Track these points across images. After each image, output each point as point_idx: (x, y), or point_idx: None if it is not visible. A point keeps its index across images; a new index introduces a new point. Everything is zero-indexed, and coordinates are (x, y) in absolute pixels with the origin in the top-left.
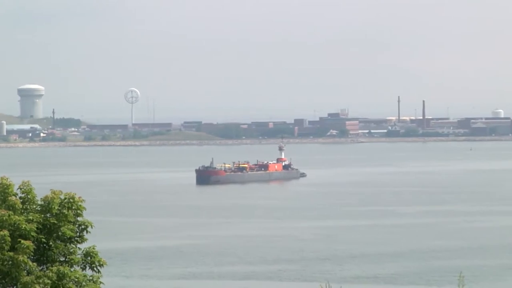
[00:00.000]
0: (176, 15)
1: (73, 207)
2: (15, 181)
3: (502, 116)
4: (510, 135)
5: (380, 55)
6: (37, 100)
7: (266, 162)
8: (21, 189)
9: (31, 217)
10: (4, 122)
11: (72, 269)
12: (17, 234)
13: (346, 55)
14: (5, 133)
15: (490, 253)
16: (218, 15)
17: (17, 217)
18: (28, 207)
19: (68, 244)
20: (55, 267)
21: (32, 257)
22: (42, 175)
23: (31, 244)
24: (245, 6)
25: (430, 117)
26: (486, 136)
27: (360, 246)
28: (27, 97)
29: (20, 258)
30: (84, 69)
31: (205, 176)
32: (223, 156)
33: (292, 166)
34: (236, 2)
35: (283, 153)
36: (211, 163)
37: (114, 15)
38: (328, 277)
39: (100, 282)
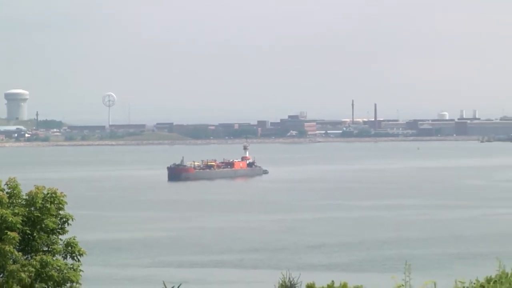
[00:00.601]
0: (150, 19)
1: (55, 202)
2: (2, 177)
3: (447, 118)
4: (454, 135)
5: (338, 61)
6: (22, 104)
7: (231, 160)
8: (7, 185)
9: (16, 211)
10: None
11: (54, 258)
12: (4, 226)
13: (307, 60)
14: None
15: (435, 243)
16: (186, 16)
17: (4, 210)
18: (14, 201)
19: (50, 235)
20: (39, 256)
21: (17, 247)
22: (27, 172)
23: (17, 235)
24: (214, 8)
25: (381, 119)
26: (432, 137)
27: (318, 237)
28: (13, 100)
29: (7, 248)
30: (66, 75)
31: (176, 173)
32: (192, 155)
33: (255, 164)
34: (202, 4)
35: (247, 152)
36: (182, 161)
37: (92, 25)
38: (289, 265)
39: (80, 270)
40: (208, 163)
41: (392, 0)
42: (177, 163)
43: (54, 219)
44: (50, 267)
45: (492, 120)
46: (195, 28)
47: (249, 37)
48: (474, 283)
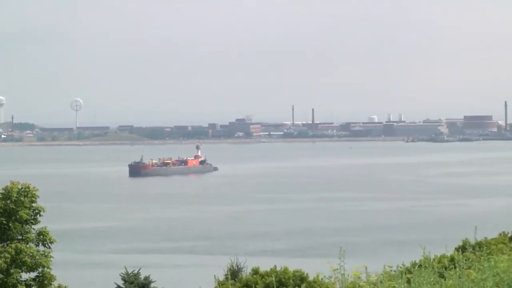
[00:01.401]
0: (106, 30)
1: (29, 195)
2: None
3: (376, 121)
4: (382, 136)
5: (280, 69)
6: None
7: (185, 158)
8: None
9: None
10: None
11: (27, 246)
12: None
13: (253, 67)
14: None
15: (366, 232)
16: (144, 23)
17: None
18: None
19: (24, 225)
20: (14, 244)
21: None
22: (3, 169)
23: None
24: (169, 14)
25: (318, 122)
26: (363, 137)
27: (262, 226)
28: None
29: None
30: (38, 82)
31: (136, 170)
32: (150, 153)
33: (207, 162)
34: (157, 8)
35: (199, 151)
36: (141, 159)
37: (60, 38)
38: (236, 252)
39: (51, 256)
40: (165, 161)
41: (325, 7)
42: (137, 161)
43: (27, 211)
44: (24, 254)
45: (416, 122)
46: (151, 36)
47: (204, 45)
48: (401, 267)
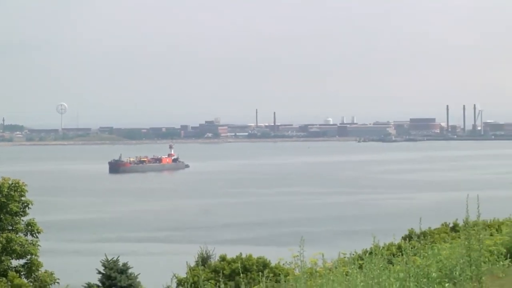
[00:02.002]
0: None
1: (18, 190)
2: None
3: (331, 123)
4: (337, 136)
5: (245, 74)
6: None
7: (160, 156)
8: None
9: None
10: None
11: (17, 235)
12: None
13: (222, 73)
14: None
15: (323, 222)
16: (121, 32)
17: None
18: None
19: (14, 217)
20: (5, 234)
21: None
22: None
23: None
24: (140, 21)
25: (279, 124)
26: (320, 138)
27: (229, 217)
28: None
29: None
30: (27, 87)
31: (115, 167)
32: (128, 152)
33: (179, 160)
34: (127, 14)
35: (172, 150)
36: (120, 157)
37: (47, 48)
38: (206, 241)
39: (38, 245)
40: (141, 159)
41: (286, 18)
42: (116, 159)
43: (17, 204)
44: (14, 242)
45: (367, 124)
46: (130, 46)
47: (177, 54)
48: (354, 254)
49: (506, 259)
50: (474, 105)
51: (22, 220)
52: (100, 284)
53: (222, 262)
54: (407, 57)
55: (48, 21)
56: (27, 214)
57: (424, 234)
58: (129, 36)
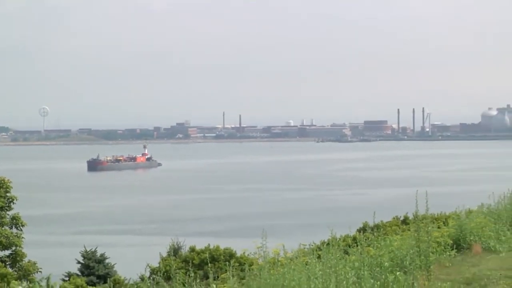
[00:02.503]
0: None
1: (4, 186)
2: None
3: (292, 124)
4: (297, 137)
5: (210, 80)
6: None
7: (134, 155)
8: None
9: None
10: None
11: (3, 228)
12: None
13: (192, 78)
14: None
15: (284, 216)
16: (106, 37)
17: None
18: None
19: (0, 211)
20: None
21: None
22: None
23: None
24: (118, 26)
25: (245, 125)
26: (282, 138)
27: (198, 212)
28: None
29: None
30: (12, 91)
31: (93, 165)
32: (105, 152)
33: (152, 159)
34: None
35: (146, 150)
36: (98, 156)
37: (30, 53)
38: (177, 233)
39: (22, 237)
40: (117, 158)
41: (258, 24)
42: (94, 158)
43: (2, 199)
44: (0, 235)
45: (325, 126)
46: (107, 54)
47: (150, 61)
48: (313, 245)
49: (452, 249)
50: (423, 108)
51: (8, 215)
52: (79, 273)
53: (191, 253)
54: (360, 63)
55: (31, 30)
56: (12, 208)
57: (377, 226)
58: (105, 44)
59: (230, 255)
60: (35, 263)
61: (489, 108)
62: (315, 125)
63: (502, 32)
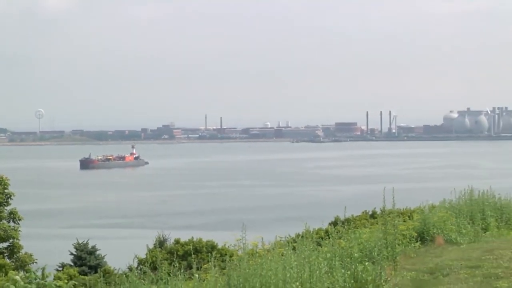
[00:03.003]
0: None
1: (2, 183)
2: None
3: (269, 126)
4: (274, 138)
5: (196, 85)
6: None
7: (123, 155)
8: None
9: None
10: None
11: (1, 222)
12: None
13: (176, 83)
14: None
15: (263, 210)
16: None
17: None
18: None
19: None
20: None
21: None
22: None
23: None
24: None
25: (225, 127)
26: (260, 139)
27: (183, 207)
28: None
29: None
30: (10, 95)
31: (85, 164)
32: (96, 151)
33: (140, 158)
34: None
35: (134, 149)
36: (89, 155)
37: (27, 61)
38: (162, 226)
39: (19, 230)
40: (107, 157)
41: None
42: (86, 157)
43: (0, 195)
44: None
45: (299, 128)
46: (101, 59)
47: (138, 66)
48: (288, 238)
49: (417, 241)
50: (390, 111)
51: (6, 209)
52: (72, 264)
53: (176, 245)
54: (333, 69)
55: (27, 38)
56: (10, 204)
57: (347, 220)
58: (96, 52)
59: (212, 247)
60: (31, 255)
61: (451, 111)
62: (290, 127)
63: (460, 42)
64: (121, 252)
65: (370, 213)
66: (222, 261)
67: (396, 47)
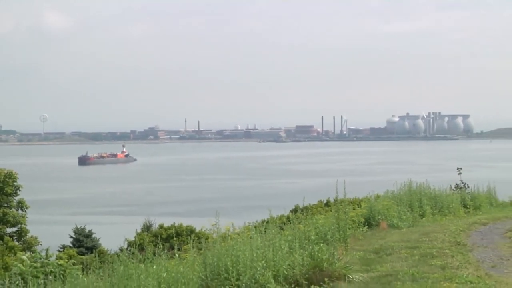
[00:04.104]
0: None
1: (12, 177)
2: None
3: (239, 128)
4: (244, 138)
5: (176, 90)
6: None
7: (115, 153)
8: None
9: None
10: None
11: (11, 210)
12: None
13: (163, 89)
14: None
15: (233, 200)
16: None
17: None
18: None
19: (9, 197)
20: (1, 209)
21: None
22: None
23: None
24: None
25: (202, 129)
26: (231, 139)
27: (168, 197)
28: None
29: None
30: (19, 101)
31: (83, 160)
32: (92, 150)
33: (129, 155)
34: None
35: (124, 148)
36: (86, 153)
37: (31, 69)
38: (149, 214)
39: (26, 217)
40: (102, 154)
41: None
42: (83, 155)
43: (10, 187)
44: (8, 215)
45: (265, 129)
46: (99, 67)
47: (127, 72)
48: (255, 223)
49: (364, 226)
50: (341, 116)
51: (15, 199)
52: (71, 246)
53: (160, 229)
54: (294, 78)
55: (32, 52)
56: (18, 195)
57: (305, 208)
58: (93, 64)
59: (191, 231)
60: (36, 238)
61: (393, 116)
62: (257, 129)
63: (400, 57)
64: (113, 235)
65: (325, 202)
66: (199, 243)
67: (348, 60)
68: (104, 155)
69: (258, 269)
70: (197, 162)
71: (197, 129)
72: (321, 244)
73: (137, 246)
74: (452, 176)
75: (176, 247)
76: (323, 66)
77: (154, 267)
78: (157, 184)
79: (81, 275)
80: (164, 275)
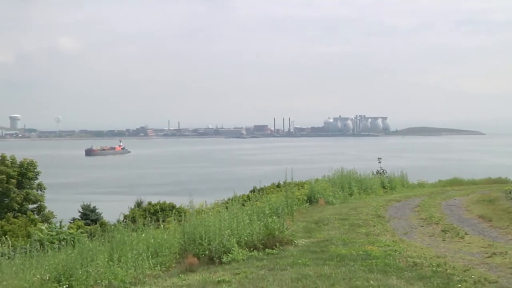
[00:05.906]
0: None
1: (33, 165)
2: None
3: (210, 127)
4: (214, 135)
5: (164, 95)
6: (17, 121)
7: (114, 146)
8: (10, 159)
9: (14, 170)
10: None
11: (32, 191)
12: (8, 176)
13: (149, 93)
14: None
15: (207, 183)
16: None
17: (8, 169)
18: (13, 165)
19: (31, 180)
20: (25, 190)
21: (16, 186)
22: (20, 153)
23: (15, 180)
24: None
25: (182, 128)
26: (204, 136)
27: (154, 180)
28: (14, 120)
29: (10, 186)
30: (38, 105)
31: (89, 152)
32: (96, 144)
33: (125, 148)
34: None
35: (121, 143)
36: (91, 147)
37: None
38: (140, 193)
39: (44, 196)
40: (103, 148)
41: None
42: (89, 148)
43: (32, 173)
44: (30, 195)
45: (230, 128)
46: (105, 71)
47: (122, 76)
48: (223, 201)
49: (306, 203)
50: (289, 118)
51: (35, 182)
52: (80, 218)
53: (149, 205)
54: (250, 87)
55: (50, 68)
56: (38, 179)
57: (262, 189)
58: (95, 75)
59: (172, 207)
60: (52, 212)
61: (328, 117)
62: (224, 128)
63: (334, 74)
64: (112, 210)
65: (277, 184)
66: (179, 216)
67: (294, 74)
68: (105, 148)
69: (225, 236)
70: (178, 154)
71: (177, 128)
72: (273, 217)
73: (131, 219)
74: (374, 164)
75: (161, 219)
76: (276, 79)
77: (144, 235)
78: (147, 170)
79: (87, 241)
80: (152, 241)
